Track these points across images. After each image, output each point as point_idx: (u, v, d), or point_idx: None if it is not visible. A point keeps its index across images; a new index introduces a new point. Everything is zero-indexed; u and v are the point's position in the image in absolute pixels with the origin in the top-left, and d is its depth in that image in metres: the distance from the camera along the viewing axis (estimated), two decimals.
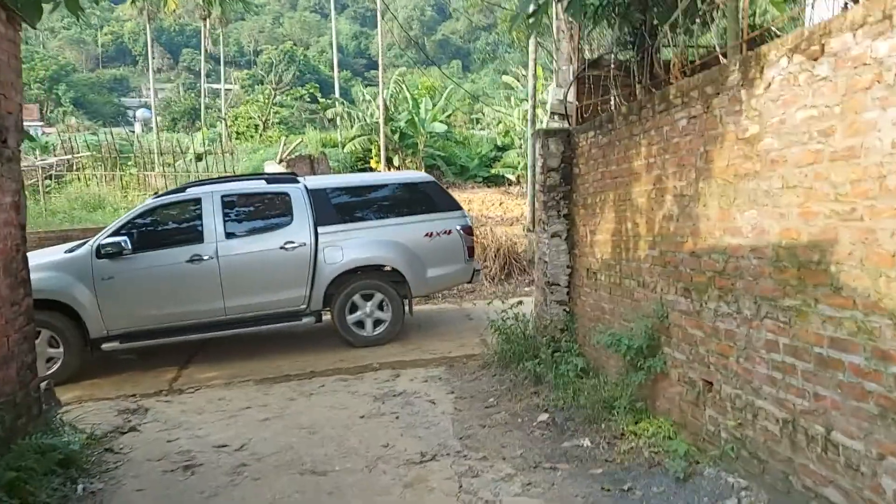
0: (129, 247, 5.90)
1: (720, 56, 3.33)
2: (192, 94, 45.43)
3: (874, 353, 2.20)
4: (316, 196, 6.50)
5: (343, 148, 21.63)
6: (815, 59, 2.44)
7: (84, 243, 6.13)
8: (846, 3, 2.97)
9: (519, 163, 19.96)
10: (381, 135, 18.75)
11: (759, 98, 2.78)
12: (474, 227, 7.76)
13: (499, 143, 22.50)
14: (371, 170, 19.86)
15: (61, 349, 5.80)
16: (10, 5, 3.60)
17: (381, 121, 18.79)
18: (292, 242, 6.27)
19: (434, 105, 21.44)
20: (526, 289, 9.03)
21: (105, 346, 5.97)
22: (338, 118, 23.40)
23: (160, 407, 5.16)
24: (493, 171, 21.45)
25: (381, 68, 19.39)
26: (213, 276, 6.07)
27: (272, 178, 6.91)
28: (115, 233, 6.00)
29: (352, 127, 22.00)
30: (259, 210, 6.58)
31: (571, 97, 5.47)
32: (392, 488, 3.44)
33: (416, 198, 6.87)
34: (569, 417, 4.23)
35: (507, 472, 3.52)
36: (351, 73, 54.59)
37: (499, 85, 30.83)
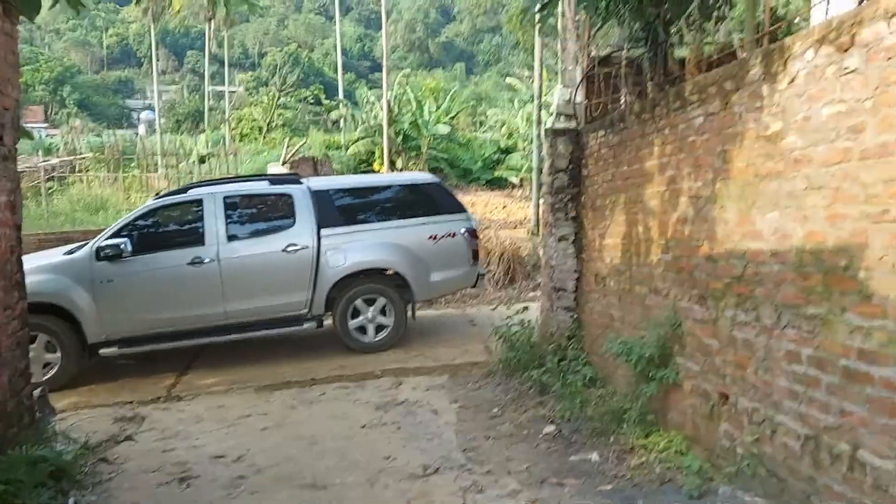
0: (129, 249, 5.79)
1: (738, 51, 3.19)
2: (197, 96, 45.48)
3: None
4: (319, 197, 6.37)
5: (346, 150, 21.55)
6: (845, 51, 2.29)
7: (83, 245, 6.03)
8: None
9: (522, 166, 19.83)
10: (385, 137, 18.65)
11: (783, 93, 2.63)
12: (478, 230, 7.62)
13: (502, 145, 22.38)
14: (374, 171, 19.77)
15: (58, 354, 5.68)
16: None
17: (384, 123, 18.70)
18: (295, 245, 6.15)
19: (438, 107, 21.34)
20: (530, 294, 8.87)
21: (103, 350, 5.85)
22: (341, 120, 23.34)
23: (157, 415, 5.04)
24: (496, 173, 21.33)
25: (385, 70, 19.29)
26: (214, 279, 5.95)
27: (275, 179, 6.79)
28: (115, 235, 5.89)
29: (355, 129, 21.93)
30: (261, 212, 6.45)
31: (580, 96, 5.33)
32: None
33: (419, 200, 6.73)
34: (576, 429, 4.08)
35: (512, 488, 3.38)
36: (355, 76, 54.63)
37: (502, 87, 30.74)
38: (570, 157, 5.06)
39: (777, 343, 2.67)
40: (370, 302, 6.34)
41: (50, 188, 16.02)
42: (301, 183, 6.51)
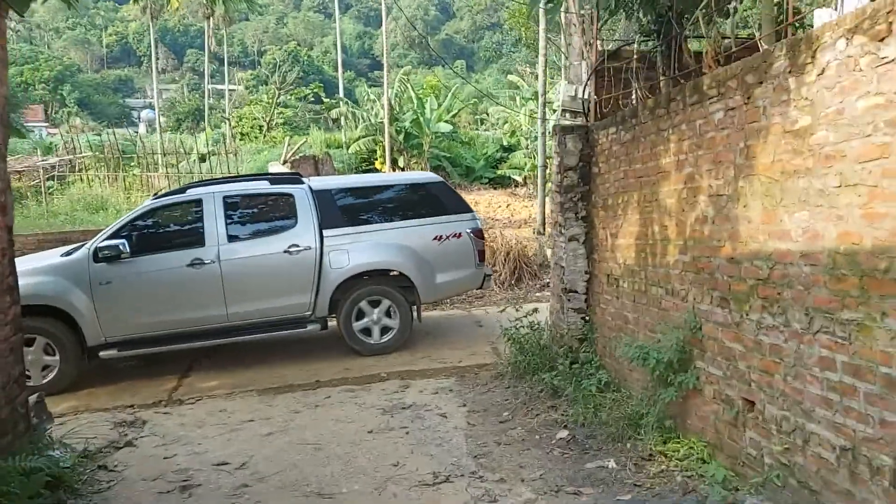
0: (128, 250, 5.68)
1: (759, 43, 3.05)
2: (197, 95, 45.37)
3: None
4: (321, 197, 6.26)
5: (347, 148, 21.40)
6: (881, 40, 2.16)
7: (81, 246, 5.91)
8: None
9: (525, 164, 19.66)
10: (386, 135, 18.50)
11: (811, 86, 2.50)
12: (483, 230, 7.49)
13: (505, 143, 22.21)
14: (376, 170, 19.62)
15: (57, 357, 5.58)
16: None
17: (385, 121, 18.55)
18: (297, 246, 6.03)
19: (439, 105, 21.17)
20: (537, 294, 8.75)
21: (103, 353, 5.74)
22: (342, 118, 23.18)
23: (158, 419, 4.93)
24: (499, 172, 21.16)
25: (385, 67, 19.15)
26: (214, 280, 5.83)
27: (276, 179, 6.66)
28: (114, 235, 5.78)
29: (356, 127, 21.77)
30: (262, 212, 6.34)
31: (589, 92, 5.19)
32: None
33: (424, 199, 6.60)
34: (590, 435, 3.96)
35: (527, 497, 3.25)
36: (355, 74, 54.52)
37: (503, 84, 30.56)
38: (580, 155, 4.93)
39: (808, 349, 2.54)
40: (375, 304, 6.22)
41: (50, 187, 15.90)
42: (302, 182, 6.39)
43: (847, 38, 2.32)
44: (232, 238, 5.96)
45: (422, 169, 19.21)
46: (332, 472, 3.74)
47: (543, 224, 11.50)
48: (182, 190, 6.42)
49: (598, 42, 5.35)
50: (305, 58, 52.70)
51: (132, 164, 17.86)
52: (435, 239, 6.39)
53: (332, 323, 6.41)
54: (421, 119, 20.27)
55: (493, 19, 62.34)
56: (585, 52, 6.14)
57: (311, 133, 25.04)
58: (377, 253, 6.22)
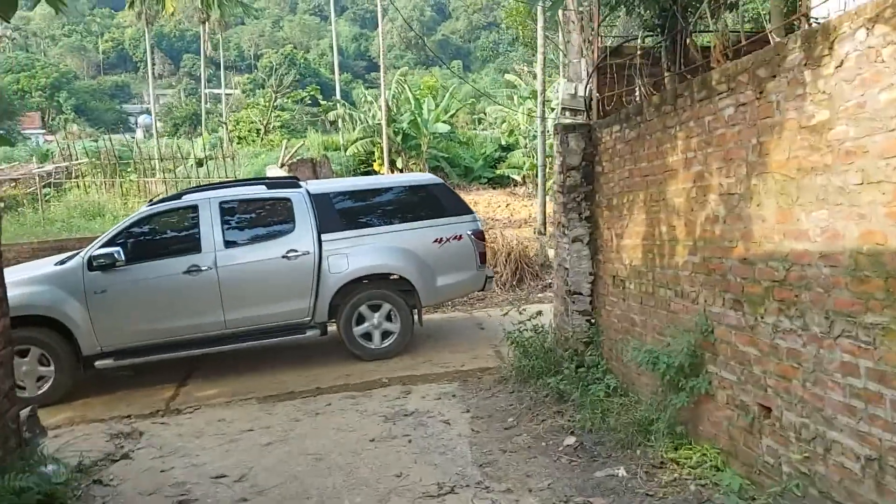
0: (123, 258, 5.57)
1: (770, 35, 2.95)
2: (194, 100, 45.31)
3: None
4: (319, 201, 6.15)
5: (345, 151, 21.31)
6: None
7: (75, 255, 5.80)
8: None
9: (524, 163, 19.58)
10: (384, 136, 18.40)
11: (829, 79, 2.39)
12: (484, 231, 7.39)
13: (503, 142, 22.12)
14: (374, 172, 19.53)
15: (52, 368, 5.47)
16: None
17: (383, 122, 18.45)
18: (295, 251, 5.92)
19: (437, 105, 21.08)
20: (539, 295, 8.64)
21: (98, 363, 5.63)
22: (339, 121, 23.10)
23: (156, 430, 4.82)
24: (497, 171, 21.08)
25: (382, 68, 19.05)
26: (211, 287, 5.72)
27: (272, 183, 6.55)
28: (108, 243, 5.66)
29: (354, 129, 21.69)
30: (259, 217, 6.23)
31: (590, 89, 5.09)
32: None
33: (423, 201, 6.50)
34: (598, 441, 3.85)
35: None
36: (351, 76, 54.43)
37: (500, 84, 30.46)
38: (583, 154, 4.82)
39: (829, 354, 2.43)
40: (375, 308, 6.11)
41: (47, 195, 15.79)
42: (300, 186, 6.28)
43: (868, 28, 2.21)
44: (229, 244, 5.86)
45: (420, 170, 19.12)
46: (334, 483, 3.63)
47: (544, 224, 11.40)
48: (178, 196, 6.31)
49: (599, 38, 5.24)
50: (302, 61, 52.64)
51: (129, 169, 17.77)
52: (435, 241, 6.29)
53: (332, 328, 6.30)
54: (418, 120, 20.18)
55: (490, 19, 62.35)
56: (585, 50, 6.04)
57: (309, 136, 24.96)
58: (377, 256, 6.12)
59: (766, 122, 2.77)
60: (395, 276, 6.19)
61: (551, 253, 9.18)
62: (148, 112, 41.96)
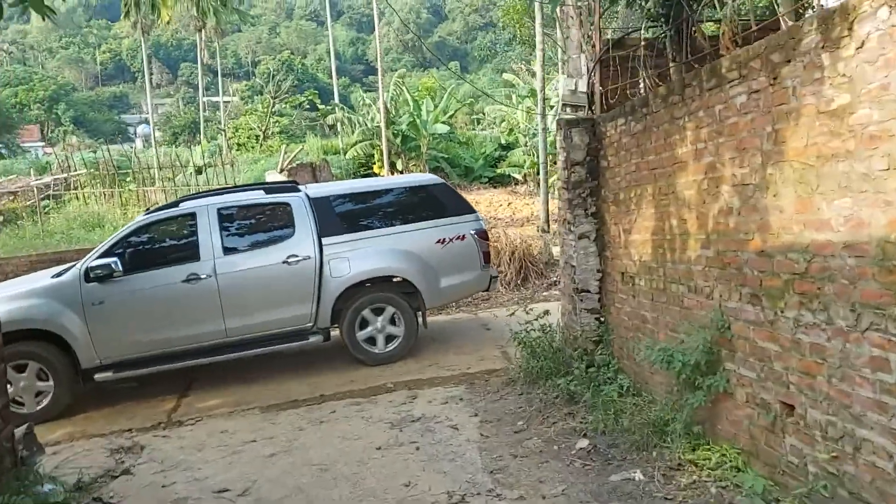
0: (120, 268, 5.47)
1: (781, 20, 2.83)
2: (192, 108, 45.30)
3: None
4: (318, 205, 6.05)
5: (345, 154, 21.25)
6: None
7: (72, 267, 5.70)
8: None
9: (525, 161, 19.48)
10: (384, 139, 18.31)
11: (849, 61, 2.28)
12: (487, 230, 7.27)
13: (503, 141, 22.03)
14: (374, 175, 19.43)
15: (51, 382, 5.37)
16: None
17: (382, 124, 18.36)
18: (296, 256, 5.81)
19: (435, 106, 20.99)
20: (545, 293, 8.53)
21: (98, 376, 5.53)
22: (338, 124, 23.03)
23: (157, 443, 4.71)
24: (498, 170, 20.99)
25: (380, 71, 18.96)
26: (211, 295, 5.62)
27: (271, 188, 6.45)
28: (105, 254, 5.57)
29: (353, 133, 21.60)
30: (259, 222, 6.12)
31: (592, 83, 4.97)
32: None
33: (425, 202, 6.39)
34: (612, 443, 3.73)
35: None
36: (349, 80, 54.44)
37: (499, 84, 30.35)
38: (587, 149, 4.71)
39: (856, 348, 2.32)
40: (378, 311, 6.00)
41: (46, 207, 15.72)
42: (299, 191, 6.18)
43: (890, 7, 2.10)
44: (228, 251, 5.75)
45: (420, 171, 19.02)
46: (341, 495, 3.52)
47: (547, 221, 11.28)
48: (175, 203, 6.21)
49: (600, 32, 5.13)
50: (299, 66, 52.68)
51: (128, 179, 17.70)
52: (438, 242, 6.18)
53: (335, 333, 6.19)
54: (417, 121, 20.10)
55: (486, 19, 62.29)
56: (584, 45, 5.93)
57: (308, 140, 24.89)
58: (379, 259, 6.01)
59: (781, 109, 2.65)
60: (398, 279, 6.08)
61: (555, 250, 9.07)
62: (147, 122, 41.94)
